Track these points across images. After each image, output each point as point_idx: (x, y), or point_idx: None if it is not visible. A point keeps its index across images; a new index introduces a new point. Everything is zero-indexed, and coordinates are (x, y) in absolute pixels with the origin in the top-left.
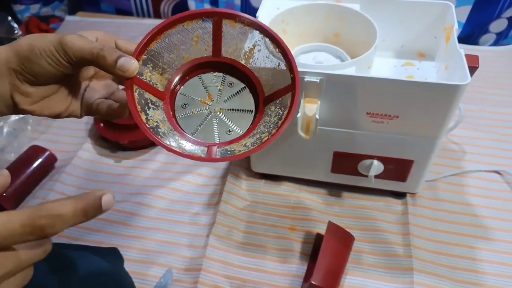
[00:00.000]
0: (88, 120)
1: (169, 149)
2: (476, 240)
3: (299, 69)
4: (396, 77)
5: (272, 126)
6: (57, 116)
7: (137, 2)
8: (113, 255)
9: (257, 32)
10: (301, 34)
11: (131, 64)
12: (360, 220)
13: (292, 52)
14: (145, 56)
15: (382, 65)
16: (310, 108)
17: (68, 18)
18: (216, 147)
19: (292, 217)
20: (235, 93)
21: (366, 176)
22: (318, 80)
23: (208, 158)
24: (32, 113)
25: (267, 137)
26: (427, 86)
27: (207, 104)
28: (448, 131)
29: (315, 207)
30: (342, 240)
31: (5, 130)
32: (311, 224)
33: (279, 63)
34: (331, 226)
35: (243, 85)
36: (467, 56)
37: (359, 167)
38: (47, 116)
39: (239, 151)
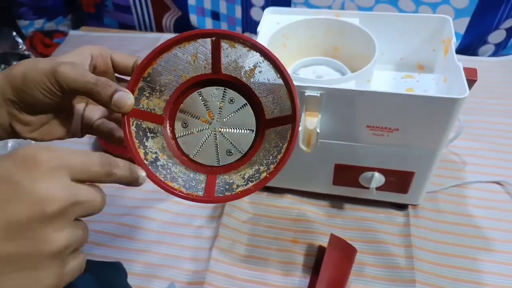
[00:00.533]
0: None
1: (168, 190)
2: (478, 251)
3: (299, 84)
4: (396, 91)
5: (271, 159)
6: (59, 139)
7: (139, 16)
8: (117, 270)
9: (258, 54)
10: (301, 48)
11: (127, 100)
12: (362, 232)
13: (293, 66)
14: (141, 84)
15: (382, 77)
16: (311, 121)
17: (72, 32)
18: (215, 176)
19: (294, 229)
20: (236, 110)
21: (368, 188)
22: (318, 95)
23: (206, 199)
24: (34, 139)
25: (265, 174)
26: (426, 100)
27: (207, 123)
28: (448, 142)
29: (317, 220)
30: (345, 252)
31: (9, 144)
32: (313, 236)
33: (280, 89)
34: (333, 238)
35: (245, 102)
36: (465, 69)
37: (361, 179)
38: (49, 141)
39: (238, 186)
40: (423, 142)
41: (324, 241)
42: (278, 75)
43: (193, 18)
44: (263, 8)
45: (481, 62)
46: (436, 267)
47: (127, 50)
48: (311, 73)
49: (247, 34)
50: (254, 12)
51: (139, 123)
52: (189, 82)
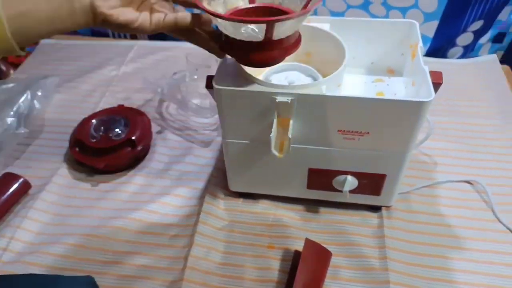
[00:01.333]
0: (62, 144)
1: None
2: (449, 250)
3: (270, 90)
4: (366, 95)
5: None
6: (129, 24)
7: None
8: (88, 284)
9: None
10: None
11: None
12: (337, 235)
13: (265, 72)
14: None
15: (353, 82)
16: (279, 129)
17: (43, 41)
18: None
19: (270, 235)
20: None
21: (341, 191)
22: (289, 100)
23: None
24: (108, 17)
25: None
26: (394, 103)
27: None
28: (419, 144)
29: (293, 224)
30: (319, 256)
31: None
32: (288, 241)
33: None
34: (308, 243)
35: None
36: (431, 72)
37: (334, 183)
38: (121, 23)
39: None
40: (393, 145)
41: (299, 246)
42: None
43: None
44: None
45: (451, 65)
46: (410, 267)
47: (100, 58)
48: (283, 79)
49: None
50: None
51: None
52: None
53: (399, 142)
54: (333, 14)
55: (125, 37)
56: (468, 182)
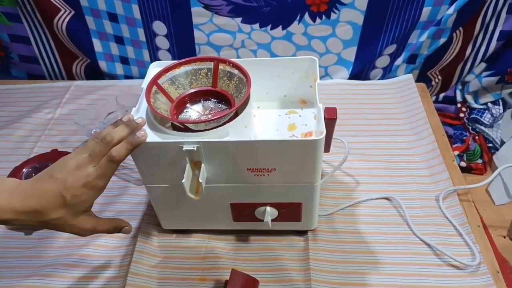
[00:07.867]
0: None
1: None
2: (367, 266)
3: (176, 140)
4: (278, 129)
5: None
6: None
7: (48, 66)
8: None
9: (237, 71)
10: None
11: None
12: (266, 262)
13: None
14: (169, 76)
15: (268, 115)
16: (196, 171)
17: None
18: None
19: (203, 267)
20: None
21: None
22: (195, 148)
23: None
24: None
25: None
26: (288, 144)
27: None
28: (338, 166)
29: (224, 255)
30: (246, 285)
31: None
32: (220, 272)
33: (244, 86)
34: (234, 273)
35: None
36: (326, 109)
37: (256, 214)
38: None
39: None
40: (300, 177)
41: None
42: (245, 80)
43: (103, 64)
44: (169, 50)
45: (373, 85)
46: (332, 286)
47: (36, 102)
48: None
49: None
50: (161, 55)
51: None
52: (196, 89)
53: (305, 175)
54: (260, 46)
55: (62, 78)
56: (386, 198)
